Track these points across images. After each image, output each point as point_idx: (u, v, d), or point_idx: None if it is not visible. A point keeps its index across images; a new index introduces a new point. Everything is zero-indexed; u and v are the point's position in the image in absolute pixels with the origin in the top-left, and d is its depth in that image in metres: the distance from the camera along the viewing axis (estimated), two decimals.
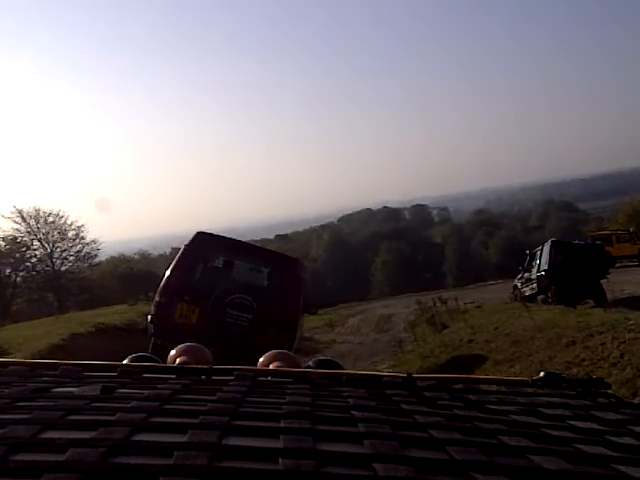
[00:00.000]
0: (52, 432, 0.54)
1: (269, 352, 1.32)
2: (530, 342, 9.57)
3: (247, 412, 0.62)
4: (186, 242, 9.22)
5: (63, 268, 35.54)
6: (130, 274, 36.46)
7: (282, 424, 0.58)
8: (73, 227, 35.34)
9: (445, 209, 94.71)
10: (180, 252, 9.09)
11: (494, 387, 0.95)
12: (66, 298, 34.03)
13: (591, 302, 15.79)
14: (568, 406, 0.80)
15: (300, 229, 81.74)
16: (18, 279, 34.28)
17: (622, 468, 0.55)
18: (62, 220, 35.02)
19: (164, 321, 8.43)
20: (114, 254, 43.63)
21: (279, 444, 0.53)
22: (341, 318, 23.35)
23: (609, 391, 0.92)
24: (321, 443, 0.54)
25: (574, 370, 7.50)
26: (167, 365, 1.10)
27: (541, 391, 0.93)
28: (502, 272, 43.25)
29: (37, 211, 34.26)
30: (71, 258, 35.90)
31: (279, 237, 75.06)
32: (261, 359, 1.31)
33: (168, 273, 8.76)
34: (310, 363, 1.26)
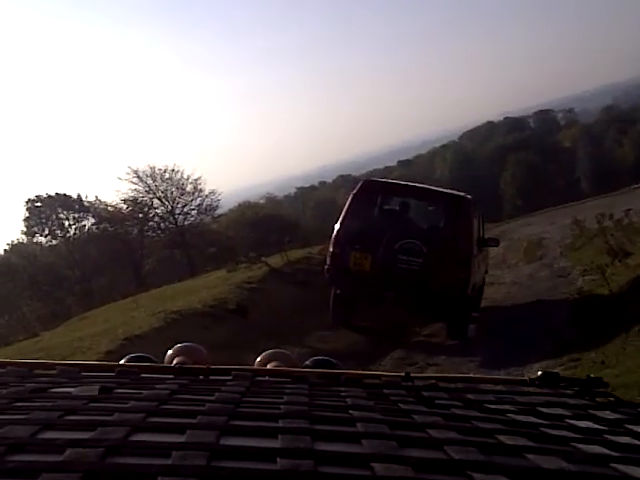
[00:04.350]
0: (50, 432, 0.54)
1: (266, 352, 1.26)
2: None
3: (245, 412, 0.62)
4: (354, 191, 9.15)
5: (186, 223, 34.47)
6: (256, 220, 35.33)
7: (280, 424, 0.59)
8: (190, 181, 34.02)
9: (571, 110, 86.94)
10: (348, 202, 9.02)
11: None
12: (194, 253, 33.66)
13: None
14: (566, 405, 0.80)
15: (422, 152, 77.69)
16: (145, 240, 33.89)
17: (621, 467, 0.55)
18: (178, 175, 33.71)
19: (340, 270, 8.68)
20: (240, 202, 42.85)
21: (277, 444, 0.53)
22: None
23: (607, 390, 0.91)
24: (319, 443, 0.54)
25: None
26: (165, 365, 1.07)
27: (539, 390, 0.91)
28: None
29: (152, 169, 32.91)
30: (193, 212, 34.56)
31: (401, 163, 71.18)
32: (258, 359, 1.25)
33: (338, 225, 8.84)
34: (307, 362, 1.20)
